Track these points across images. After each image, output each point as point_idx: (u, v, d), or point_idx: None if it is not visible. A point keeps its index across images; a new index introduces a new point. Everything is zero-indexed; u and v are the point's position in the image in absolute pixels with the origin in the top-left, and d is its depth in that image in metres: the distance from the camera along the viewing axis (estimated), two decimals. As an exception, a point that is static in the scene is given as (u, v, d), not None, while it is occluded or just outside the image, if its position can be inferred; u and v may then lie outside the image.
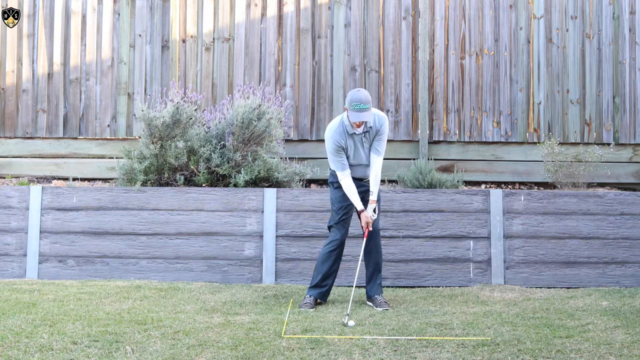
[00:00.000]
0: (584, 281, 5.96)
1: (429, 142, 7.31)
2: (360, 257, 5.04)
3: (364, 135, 5.00)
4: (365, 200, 5.03)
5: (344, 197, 5.05)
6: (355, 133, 4.96)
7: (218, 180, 6.43)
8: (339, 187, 5.06)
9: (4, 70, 7.59)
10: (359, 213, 4.99)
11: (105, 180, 7.30)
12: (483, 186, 7.24)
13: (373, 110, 4.97)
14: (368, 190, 5.05)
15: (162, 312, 4.63)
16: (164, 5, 7.53)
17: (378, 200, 5.12)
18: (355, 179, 5.05)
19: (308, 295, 5.05)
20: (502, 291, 5.63)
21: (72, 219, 6.14)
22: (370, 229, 4.96)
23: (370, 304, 5.06)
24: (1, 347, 3.66)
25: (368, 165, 5.07)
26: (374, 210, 4.98)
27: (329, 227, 5.16)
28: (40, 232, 6.12)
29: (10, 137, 7.55)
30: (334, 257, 5.08)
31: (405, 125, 7.38)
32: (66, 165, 7.40)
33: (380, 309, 4.89)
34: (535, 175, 7.22)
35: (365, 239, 5.02)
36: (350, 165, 5.04)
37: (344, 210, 5.08)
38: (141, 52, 7.52)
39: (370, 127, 4.98)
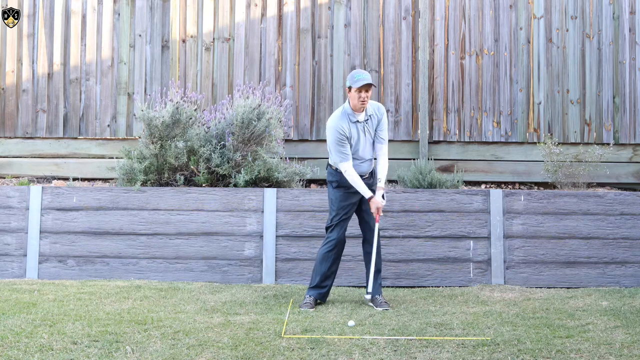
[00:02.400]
0: (584, 281, 5.96)
1: (429, 142, 7.31)
2: (373, 250, 5.03)
3: (366, 123, 5.02)
4: (372, 190, 5.08)
5: (345, 197, 5.05)
6: (358, 121, 4.98)
7: (218, 180, 6.43)
8: (339, 186, 5.06)
9: (4, 70, 7.59)
10: (368, 200, 5.00)
11: (105, 180, 7.30)
12: (483, 186, 7.24)
13: (370, 101, 5.06)
14: (369, 185, 5.07)
15: (162, 312, 4.63)
16: (164, 5, 7.54)
17: None
18: (360, 178, 5.02)
19: (308, 296, 5.05)
20: (502, 291, 5.63)
21: (72, 219, 6.14)
22: (381, 214, 5.04)
23: (371, 304, 5.05)
24: (1, 347, 3.66)
25: (370, 160, 5.10)
26: (383, 197, 5.04)
27: (327, 228, 5.13)
28: (40, 232, 6.12)
29: (10, 137, 7.55)
30: (332, 257, 5.07)
31: (405, 125, 7.38)
32: (66, 165, 7.41)
33: (381, 309, 4.89)
34: (535, 175, 7.23)
35: (369, 233, 5.11)
36: (356, 161, 5.03)
37: (344, 210, 5.07)
38: (141, 52, 7.52)
39: (370, 115, 5.03)
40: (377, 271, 5.13)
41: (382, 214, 5.08)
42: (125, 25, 7.55)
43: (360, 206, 5.14)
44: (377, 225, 5.04)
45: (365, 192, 4.98)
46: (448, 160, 7.32)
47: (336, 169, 5.08)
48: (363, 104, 4.92)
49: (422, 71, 7.29)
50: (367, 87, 4.88)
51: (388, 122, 7.29)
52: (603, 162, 7.00)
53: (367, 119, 5.03)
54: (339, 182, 5.06)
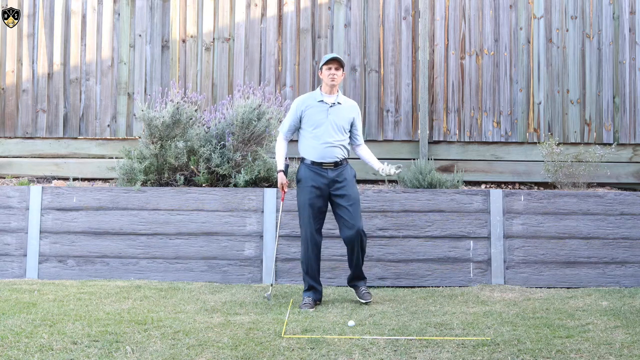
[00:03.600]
0: (584, 281, 5.96)
1: (429, 142, 7.31)
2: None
3: (332, 107, 5.06)
4: (337, 180, 5.05)
5: (303, 191, 5.04)
6: (323, 101, 5.05)
7: (218, 180, 6.43)
8: (298, 180, 5.08)
9: (4, 70, 7.60)
10: (278, 172, 5.17)
11: (105, 180, 7.30)
12: (483, 186, 7.24)
13: (347, 97, 5.31)
14: (336, 181, 5.01)
15: (162, 312, 4.63)
16: (164, 5, 7.54)
17: (358, 203, 5.07)
18: (321, 167, 5.01)
19: (306, 296, 5.05)
20: (502, 291, 5.63)
21: (72, 219, 6.14)
22: (286, 190, 5.18)
23: (353, 290, 5.22)
24: (1, 347, 3.66)
25: (334, 146, 5.02)
26: (388, 166, 5.10)
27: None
28: (40, 232, 6.12)
29: (10, 137, 7.55)
30: (311, 257, 5.04)
31: (405, 125, 7.38)
32: (66, 165, 7.41)
33: (364, 301, 5.04)
34: (535, 175, 7.23)
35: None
36: (317, 142, 5.01)
37: (304, 207, 5.02)
38: (141, 52, 7.52)
39: (340, 102, 5.10)
40: (360, 269, 5.17)
41: (286, 189, 5.17)
42: (125, 25, 7.55)
43: (333, 201, 5.06)
44: (281, 204, 5.32)
45: (279, 164, 5.16)
46: (448, 160, 7.32)
47: (301, 159, 5.13)
48: (332, 80, 5.04)
49: (422, 71, 7.29)
50: (334, 62, 5.04)
51: (388, 123, 7.36)
52: (603, 162, 7.01)
53: (334, 104, 5.08)
54: (298, 176, 5.12)
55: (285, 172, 5.16)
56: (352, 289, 5.31)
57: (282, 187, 5.14)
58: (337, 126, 5.06)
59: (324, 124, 5.03)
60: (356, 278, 5.20)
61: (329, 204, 5.13)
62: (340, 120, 5.08)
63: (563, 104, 7.35)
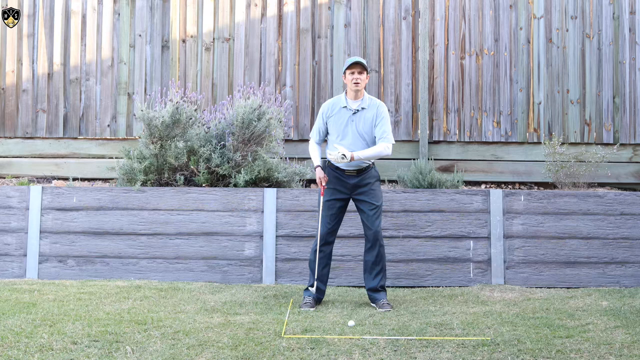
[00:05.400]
0: (584, 281, 5.96)
1: (429, 142, 7.31)
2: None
3: (356, 114, 4.98)
4: (362, 184, 5.01)
5: (326, 192, 5.03)
6: (347, 107, 4.98)
7: (218, 180, 6.43)
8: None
9: (4, 70, 7.60)
10: (315, 169, 5.09)
11: (105, 180, 7.30)
12: (483, 186, 7.24)
13: (373, 97, 5.15)
14: (358, 186, 4.99)
15: (162, 312, 4.63)
16: (164, 5, 7.54)
17: (379, 208, 5.01)
18: (343, 173, 5.00)
19: (307, 296, 5.05)
20: (502, 291, 5.63)
21: (72, 219, 6.14)
22: (324, 183, 5.01)
23: (373, 304, 5.03)
24: (1, 347, 3.66)
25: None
26: (343, 156, 4.82)
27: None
28: (40, 232, 6.12)
29: (10, 137, 7.55)
30: (319, 256, 5.02)
31: (405, 125, 7.38)
32: (66, 165, 7.41)
33: (383, 310, 4.85)
34: (535, 175, 7.23)
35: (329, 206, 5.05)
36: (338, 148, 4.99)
37: (323, 207, 5.01)
38: (141, 52, 7.52)
39: (364, 108, 5.00)
40: (382, 274, 5.05)
41: (324, 183, 5.01)
42: (125, 25, 7.55)
43: (356, 205, 5.08)
44: (321, 199, 5.01)
45: (315, 161, 5.11)
46: (448, 160, 7.32)
47: (323, 159, 5.11)
48: (356, 85, 4.96)
49: (422, 71, 7.29)
50: (357, 66, 4.95)
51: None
52: (603, 162, 7.00)
53: (359, 110, 4.99)
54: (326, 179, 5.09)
55: (322, 167, 5.11)
56: (368, 298, 5.11)
57: (321, 181, 5.06)
58: (361, 134, 4.98)
59: (348, 134, 4.99)
60: (376, 290, 5.02)
61: (354, 205, 5.11)
62: (365, 127, 4.99)
63: (563, 104, 7.35)
